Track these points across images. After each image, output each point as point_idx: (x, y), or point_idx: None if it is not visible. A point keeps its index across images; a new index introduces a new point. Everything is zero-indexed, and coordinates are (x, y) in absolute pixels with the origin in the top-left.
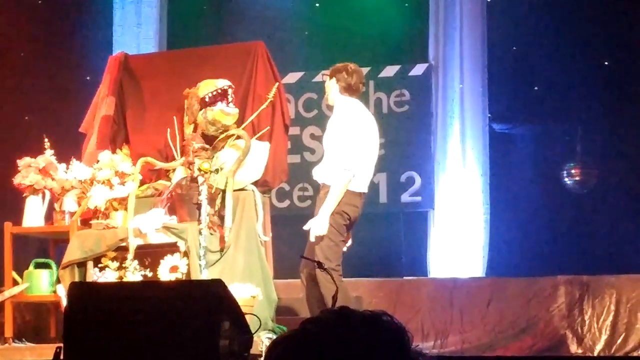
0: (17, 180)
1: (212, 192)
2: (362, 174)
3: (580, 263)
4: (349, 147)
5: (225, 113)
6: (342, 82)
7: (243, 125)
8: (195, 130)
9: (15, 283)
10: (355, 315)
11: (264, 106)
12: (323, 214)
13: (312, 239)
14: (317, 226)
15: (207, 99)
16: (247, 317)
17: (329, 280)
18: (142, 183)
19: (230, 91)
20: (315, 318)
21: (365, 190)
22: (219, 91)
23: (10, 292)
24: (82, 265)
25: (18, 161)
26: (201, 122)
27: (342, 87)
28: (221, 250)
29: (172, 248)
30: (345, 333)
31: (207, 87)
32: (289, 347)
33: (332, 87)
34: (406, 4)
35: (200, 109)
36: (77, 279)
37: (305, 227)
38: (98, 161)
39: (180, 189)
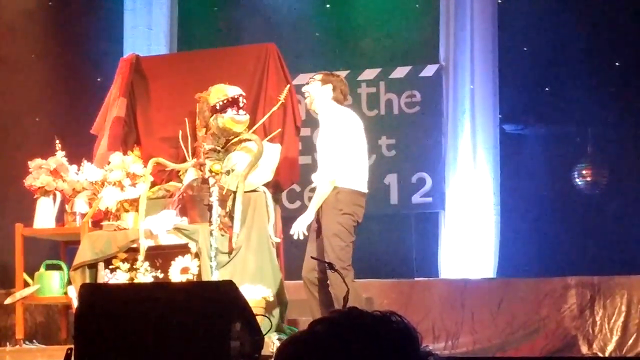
0: (28, 181)
1: (223, 193)
2: (362, 176)
3: (591, 264)
4: (335, 158)
5: (235, 121)
6: (337, 89)
7: (254, 127)
8: (207, 132)
9: (26, 284)
10: (365, 315)
11: (275, 108)
12: (307, 214)
13: (295, 236)
14: (299, 223)
15: (217, 107)
16: (258, 318)
17: (341, 280)
18: (153, 184)
19: (240, 99)
20: (324, 318)
21: (367, 190)
22: (230, 99)
23: (21, 293)
24: (93, 266)
25: (29, 163)
26: (212, 127)
27: (339, 93)
28: (230, 252)
29: (183, 249)
30: (355, 333)
31: (217, 94)
32: (298, 347)
33: (324, 93)
34: (417, 5)
35: (211, 116)
36: (88, 281)
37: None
38: (109, 162)
39: (191, 190)
